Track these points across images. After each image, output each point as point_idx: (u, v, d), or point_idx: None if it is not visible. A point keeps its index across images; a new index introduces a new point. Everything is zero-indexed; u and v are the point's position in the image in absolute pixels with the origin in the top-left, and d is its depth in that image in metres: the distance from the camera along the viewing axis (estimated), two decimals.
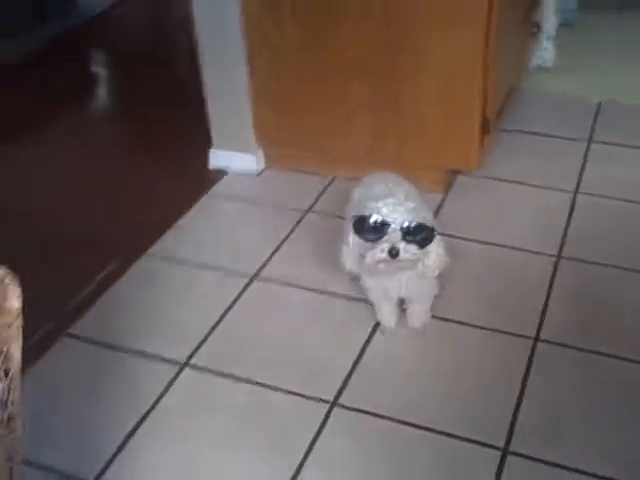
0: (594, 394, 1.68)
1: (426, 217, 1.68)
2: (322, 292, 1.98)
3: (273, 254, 2.12)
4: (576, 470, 1.52)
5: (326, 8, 2.15)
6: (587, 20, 3.29)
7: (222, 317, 1.91)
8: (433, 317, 1.87)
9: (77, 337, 1.87)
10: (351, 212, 1.75)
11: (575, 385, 1.70)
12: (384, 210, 1.61)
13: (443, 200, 2.32)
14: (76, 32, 3.55)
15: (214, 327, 1.88)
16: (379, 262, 1.61)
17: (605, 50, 3.11)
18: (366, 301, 1.88)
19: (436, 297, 1.84)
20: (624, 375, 1.72)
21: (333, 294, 1.97)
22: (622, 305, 1.91)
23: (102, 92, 3.28)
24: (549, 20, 2.90)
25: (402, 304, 1.85)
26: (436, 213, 2.21)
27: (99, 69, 3.50)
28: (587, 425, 1.61)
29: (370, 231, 1.61)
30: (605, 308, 1.90)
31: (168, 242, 2.19)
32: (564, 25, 3.18)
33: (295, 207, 2.31)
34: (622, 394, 1.67)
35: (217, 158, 2.51)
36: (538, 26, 2.81)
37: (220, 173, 2.49)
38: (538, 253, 2.09)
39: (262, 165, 2.50)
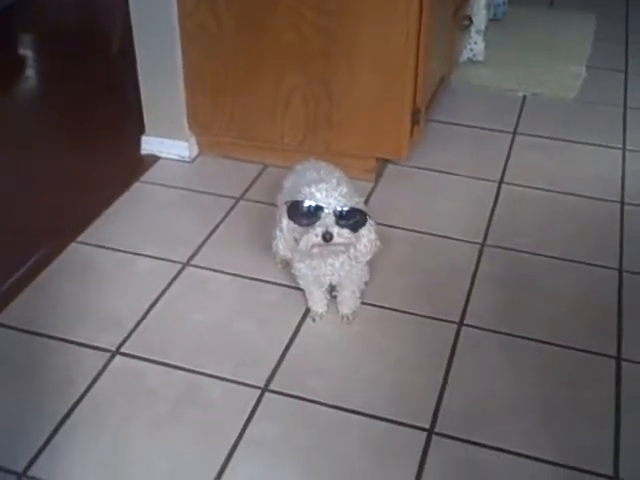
0: (516, 376, 1.73)
1: (358, 202, 1.70)
2: (254, 279, 1.99)
3: (205, 241, 2.12)
4: (500, 449, 1.57)
5: None
6: (517, 14, 3.37)
7: (154, 304, 1.90)
8: (362, 303, 1.90)
9: (5, 325, 1.84)
10: (284, 199, 1.76)
11: (498, 368, 1.75)
12: (317, 195, 1.62)
13: (373, 189, 2.35)
14: (4, 13, 3.46)
15: (146, 314, 1.87)
16: (313, 246, 1.62)
17: (532, 44, 3.19)
18: (297, 288, 1.89)
19: (366, 283, 1.86)
20: (545, 358, 1.78)
21: (265, 281, 1.98)
22: (543, 291, 1.97)
23: (30, 76, 3.19)
24: (479, 14, 2.95)
25: (332, 291, 1.87)
26: (366, 201, 2.23)
27: (27, 52, 3.42)
28: (510, 407, 1.66)
29: (304, 216, 1.63)
30: (527, 294, 1.96)
31: (99, 228, 2.16)
32: (494, 19, 3.25)
33: (227, 194, 2.30)
34: (543, 377, 1.73)
35: (149, 144, 2.49)
36: (469, 19, 2.85)
37: (152, 159, 2.47)
38: (464, 241, 2.13)
39: (195, 152, 2.49)
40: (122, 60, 2.57)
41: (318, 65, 2.21)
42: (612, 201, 2.31)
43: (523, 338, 1.82)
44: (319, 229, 1.61)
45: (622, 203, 2.30)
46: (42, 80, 3.15)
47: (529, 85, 2.91)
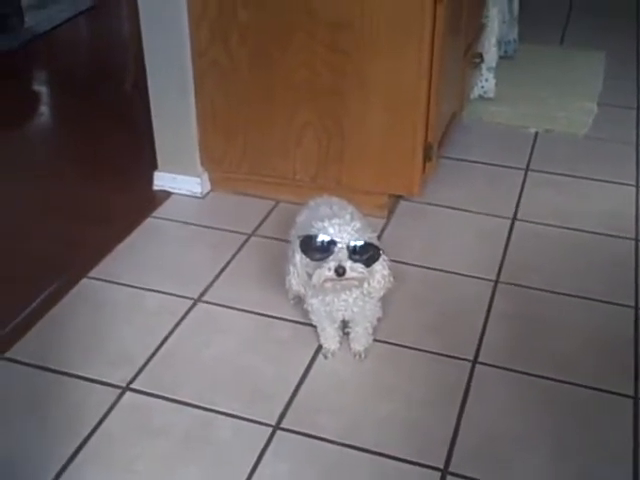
0: (531, 415, 1.71)
1: (372, 238, 1.71)
2: (265, 315, 1.99)
3: (217, 277, 2.12)
4: None
5: (275, 33, 2.18)
6: (527, 52, 3.40)
7: (164, 340, 1.90)
8: (375, 340, 1.89)
9: (15, 360, 1.84)
10: (297, 234, 1.76)
11: (512, 406, 1.73)
12: (331, 230, 1.63)
13: (385, 225, 2.35)
14: (21, 49, 3.51)
15: (156, 350, 1.87)
16: (326, 281, 1.63)
17: (544, 81, 3.21)
18: (309, 325, 1.89)
19: (379, 320, 1.85)
20: (560, 397, 1.76)
21: (276, 318, 1.98)
22: (557, 328, 1.96)
23: (44, 111, 3.23)
24: (490, 51, 2.97)
25: (345, 328, 1.87)
26: (378, 237, 2.22)
27: (42, 87, 3.46)
28: (524, 446, 1.64)
29: (317, 250, 1.63)
30: (541, 331, 1.95)
31: (111, 263, 2.17)
32: (505, 56, 3.28)
33: (239, 230, 2.31)
34: (558, 415, 1.71)
35: (162, 180, 2.50)
36: (480, 57, 2.88)
37: (164, 195, 2.48)
38: (477, 278, 2.13)
39: (207, 188, 2.50)
40: (136, 96, 2.59)
41: (330, 102, 2.23)
42: (626, 238, 2.30)
43: (537, 376, 1.81)
44: (332, 263, 1.61)
45: (637, 240, 2.29)
46: (56, 116, 3.19)
47: (541, 122, 2.92)
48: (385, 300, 1.82)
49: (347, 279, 1.62)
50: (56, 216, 2.38)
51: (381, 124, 2.23)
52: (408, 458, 1.61)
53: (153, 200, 2.45)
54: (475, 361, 1.85)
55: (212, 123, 2.38)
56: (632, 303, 2.04)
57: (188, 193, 2.48)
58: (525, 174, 2.63)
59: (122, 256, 2.21)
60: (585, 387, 1.78)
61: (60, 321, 1.96)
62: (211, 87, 2.32)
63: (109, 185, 2.54)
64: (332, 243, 1.62)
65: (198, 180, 2.47)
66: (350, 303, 1.74)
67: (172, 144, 2.44)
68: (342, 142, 2.28)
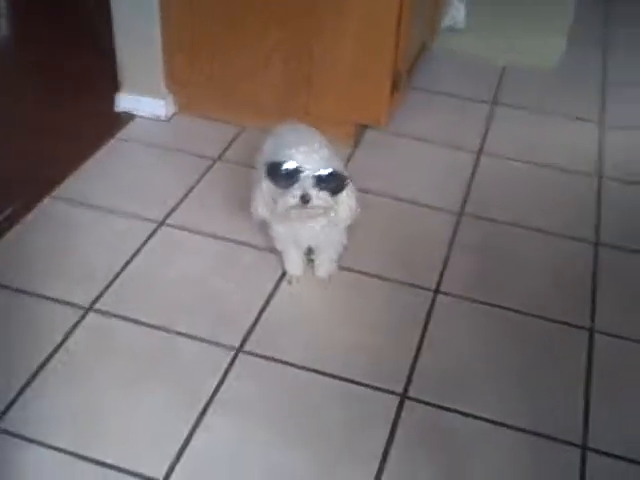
0: (491, 344, 1.75)
1: (339, 166, 1.70)
2: (230, 240, 1.98)
3: (181, 201, 2.10)
4: (472, 415, 1.59)
5: None
6: None
7: (128, 262, 1.89)
8: (339, 268, 1.90)
9: None
10: (263, 160, 1.75)
11: (473, 336, 1.77)
12: (298, 157, 1.62)
13: (351, 154, 2.35)
14: None
15: (120, 272, 1.86)
16: (291, 208, 1.63)
17: (514, 14, 3.17)
18: (274, 251, 1.89)
19: (344, 248, 1.86)
20: (520, 327, 1.80)
21: (241, 242, 1.98)
22: (519, 261, 1.99)
23: (5, 29, 3.12)
24: None
25: (309, 254, 1.88)
26: (345, 166, 2.21)
27: (2, 3, 3.32)
28: (484, 374, 1.68)
29: (283, 177, 1.62)
30: (503, 264, 1.98)
31: (73, 184, 2.14)
32: None
33: (205, 154, 2.29)
34: (517, 345, 1.75)
35: (125, 102, 2.45)
36: None
37: (128, 117, 2.43)
38: (441, 209, 2.15)
39: (172, 110, 2.46)
40: (97, 13, 2.52)
41: (302, 23, 2.18)
42: (589, 174, 2.33)
43: (498, 307, 1.84)
44: (297, 191, 1.61)
45: (599, 177, 2.32)
46: (15, 33, 3.08)
47: (509, 55, 2.90)
48: (351, 229, 1.82)
49: (312, 207, 1.63)
50: (17, 134, 2.32)
51: (352, 50, 2.20)
52: (369, 383, 1.64)
53: (116, 122, 2.41)
54: (437, 290, 1.87)
55: (177, 42, 2.32)
56: (592, 239, 2.07)
57: (152, 116, 2.44)
58: (492, 107, 2.63)
59: (85, 177, 2.17)
60: (544, 319, 1.82)
61: (21, 240, 1.94)
62: (176, 3, 2.25)
63: (70, 104, 2.47)
64: (298, 171, 1.61)
65: (162, 102, 2.42)
66: (317, 231, 1.75)
67: (135, 64, 2.38)
68: (310, 67, 2.25)
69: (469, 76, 2.80)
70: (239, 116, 2.41)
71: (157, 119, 2.44)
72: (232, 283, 1.86)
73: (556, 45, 2.98)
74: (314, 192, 1.61)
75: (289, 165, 1.62)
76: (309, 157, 1.62)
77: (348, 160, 2.31)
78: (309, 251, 1.87)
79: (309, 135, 1.78)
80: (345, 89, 2.27)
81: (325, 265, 1.87)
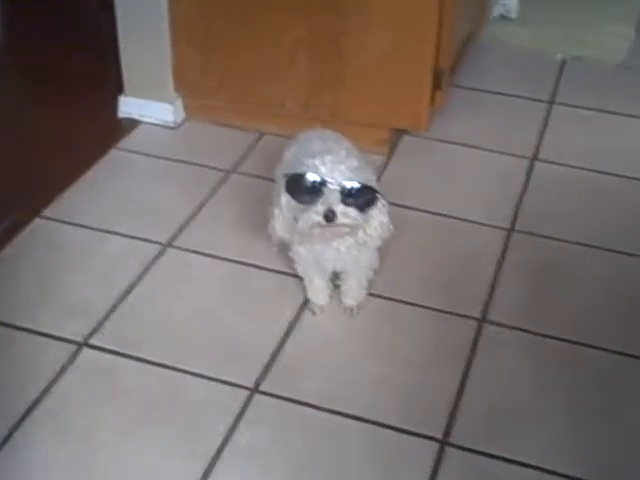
0: (543, 381, 1.73)
1: (369, 178, 1.69)
2: (245, 264, 1.99)
3: (190, 219, 2.11)
4: (521, 464, 1.56)
5: None
6: None
7: (129, 290, 1.90)
8: (369, 295, 1.89)
9: None
10: (283, 172, 1.75)
11: (523, 371, 1.75)
12: (322, 169, 1.61)
13: (386, 163, 2.34)
14: None
15: (119, 302, 1.87)
16: (314, 227, 1.62)
17: (574, 1, 3.16)
18: (294, 275, 1.89)
19: (375, 272, 1.85)
20: (577, 361, 1.78)
21: (257, 267, 1.98)
22: (577, 283, 1.97)
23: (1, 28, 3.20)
24: None
25: (335, 279, 1.87)
26: (378, 178, 2.20)
27: None
28: (535, 416, 1.66)
29: (305, 191, 1.62)
30: (559, 287, 1.96)
31: (68, 200, 2.16)
32: None
33: (218, 166, 2.30)
34: (574, 382, 1.73)
35: (128, 106, 2.48)
36: None
37: (132, 124, 2.46)
38: (489, 225, 2.13)
39: (181, 116, 2.48)
40: (100, 8, 2.56)
41: (327, 17, 2.19)
42: None
43: (552, 338, 1.82)
44: (321, 207, 1.60)
45: None
46: (11, 31, 3.14)
47: (568, 47, 2.89)
48: (383, 250, 1.82)
49: (338, 225, 1.62)
50: (6, 145, 2.36)
51: (384, 45, 2.20)
52: (403, 427, 1.62)
53: (118, 129, 2.43)
54: (483, 320, 1.86)
55: (188, 40, 2.34)
56: None
57: (159, 122, 2.46)
58: (549, 107, 2.61)
59: (81, 192, 2.19)
60: (607, 351, 1.79)
61: (10, 266, 1.96)
62: None
63: (68, 111, 2.51)
64: (323, 184, 1.60)
65: (171, 107, 2.44)
66: (342, 252, 1.74)
67: (141, 64, 2.41)
68: (339, 65, 2.26)
69: (522, 72, 2.79)
70: (257, 122, 2.42)
71: (164, 126, 2.46)
72: (247, 314, 1.86)
73: (623, 36, 2.96)
74: (340, 208, 1.60)
75: (312, 177, 1.61)
76: (335, 168, 1.62)
77: (382, 170, 2.31)
78: (335, 276, 1.86)
79: (336, 142, 1.79)
80: (378, 89, 2.27)
81: (353, 292, 1.86)
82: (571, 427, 1.64)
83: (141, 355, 1.75)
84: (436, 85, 2.29)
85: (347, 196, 1.61)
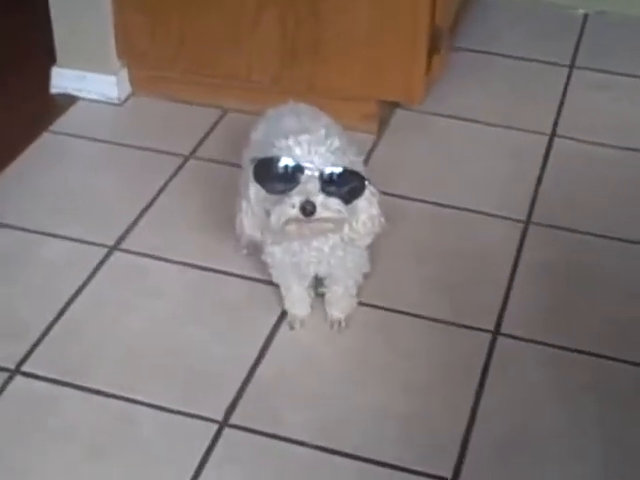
0: (569, 405, 1.73)
1: (354, 162, 1.69)
2: (208, 270, 1.99)
3: (141, 216, 2.12)
4: None
5: None
6: None
7: (69, 305, 1.90)
8: (360, 304, 1.90)
9: None
10: (250, 157, 1.74)
11: (544, 392, 1.76)
12: (297, 151, 1.61)
13: (375, 143, 2.35)
14: None
15: (58, 318, 1.87)
16: (289, 222, 1.61)
17: None
18: (269, 282, 1.89)
19: (365, 276, 1.86)
20: (607, 378, 1.79)
21: (223, 272, 1.98)
22: (606, 285, 1.99)
23: None
24: None
25: (318, 286, 1.87)
26: (365, 161, 2.20)
27: None
28: (558, 444, 1.66)
29: (277, 179, 1.61)
30: (584, 290, 1.97)
31: None
32: None
33: (172, 150, 2.30)
34: (603, 403, 1.74)
35: (63, 79, 2.48)
36: None
37: (67, 100, 2.47)
38: (500, 217, 2.14)
39: (127, 91, 2.49)
40: None
41: None
42: None
43: (578, 352, 1.83)
44: (297, 198, 1.59)
45: None
46: None
47: (592, 0, 2.90)
48: (374, 249, 1.82)
49: (318, 220, 1.61)
50: None
51: (370, 1, 2.20)
52: (405, 465, 1.62)
53: (51, 107, 2.44)
54: (496, 332, 1.87)
55: None
56: None
57: (100, 98, 2.46)
58: (569, 72, 2.62)
59: (7, 187, 2.19)
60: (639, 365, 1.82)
61: None
62: None
63: None
64: (299, 169, 1.60)
65: (114, 79, 2.44)
66: (325, 253, 1.74)
67: (77, 29, 2.41)
68: (316, 27, 2.26)
69: (537, 30, 2.81)
70: (219, 97, 2.43)
71: (107, 102, 2.46)
72: (212, 330, 1.86)
73: None
74: (320, 199, 1.59)
75: (285, 162, 1.61)
76: (313, 150, 1.61)
77: (371, 152, 2.32)
78: (317, 282, 1.87)
79: (313, 119, 1.79)
80: (364, 54, 2.28)
81: (340, 301, 1.87)
82: (601, 455, 1.65)
83: (85, 383, 1.74)
84: (433, 48, 2.30)
85: (328, 184, 1.60)
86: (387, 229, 1.74)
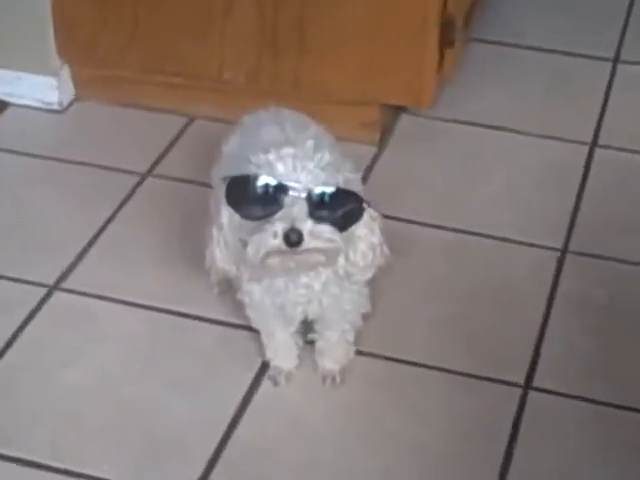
0: (615, 470, 1.72)
1: (350, 179, 1.69)
2: (172, 313, 1.99)
3: (88, 248, 2.12)
4: None
5: None
6: None
7: None
8: (358, 353, 1.89)
9: None
10: (222, 175, 1.74)
11: (586, 457, 1.74)
12: (279, 167, 1.60)
13: (376, 156, 2.37)
14: None
15: None
16: (270, 254, 1.60)
17: None
18: (247, 327, 1.89)
19: (365, 318, 1.85)
20: None
21: (188, 315, 1.98)
22: None
23: None
24: None
25: (307, 332, 1.87)
26: (364, 178, 2.22)
27: None
28: None
29: (256, 202, 1.60)
30: (631, 331, 1.98)
31: None
32: None
33: (125, 167, 2.32)
34: None
35: None
36: None
37: None
38: (530, 245, 2.15)
39: (70, 94, 2.51)
40: None
41: None
42: None
43: (625, 408, 1.83)
44: (280, 225, 1.58)
45: None
46: None
47: None
48: (376, 285, 1.82)
49: (306, 251, 1.60)
50: None
51: None
52: None
53: None
54: (527, 386, 1.86)
55: None
56: None
57: (36, 104, 2.48)
58: (613, 68, 2.64)
59: None
60: None
61: None
62: None
63: None
64: (281, 190, 1.59)
65: (54, 81, 2.46)
66: (316, 291, 1.73)
67: (8, 19, 2.42)
68: (301, 13, 2.27)
69: (571, 16, 2.83)
70: (182, 101, 2.45)
71: (45, 109, 2.48)
72: (176, 386, 1.86)
73: None
74: (308, 226, 1.59)
75: (264, 180, 1.60)
76: (299, 166, 1.61)
77: (371, 167, 2.34)
78: (307, 327, 1.86)
79: (299, 128, 1.79)
80: (362, 47, 2.29)
81: (334, 350, 1.86)
82: None
83: (16, 453, 1.73)
84: (445, 41, 2.31)
85: (318, 207, 1.60)
86: (391, 261, 1.73)
